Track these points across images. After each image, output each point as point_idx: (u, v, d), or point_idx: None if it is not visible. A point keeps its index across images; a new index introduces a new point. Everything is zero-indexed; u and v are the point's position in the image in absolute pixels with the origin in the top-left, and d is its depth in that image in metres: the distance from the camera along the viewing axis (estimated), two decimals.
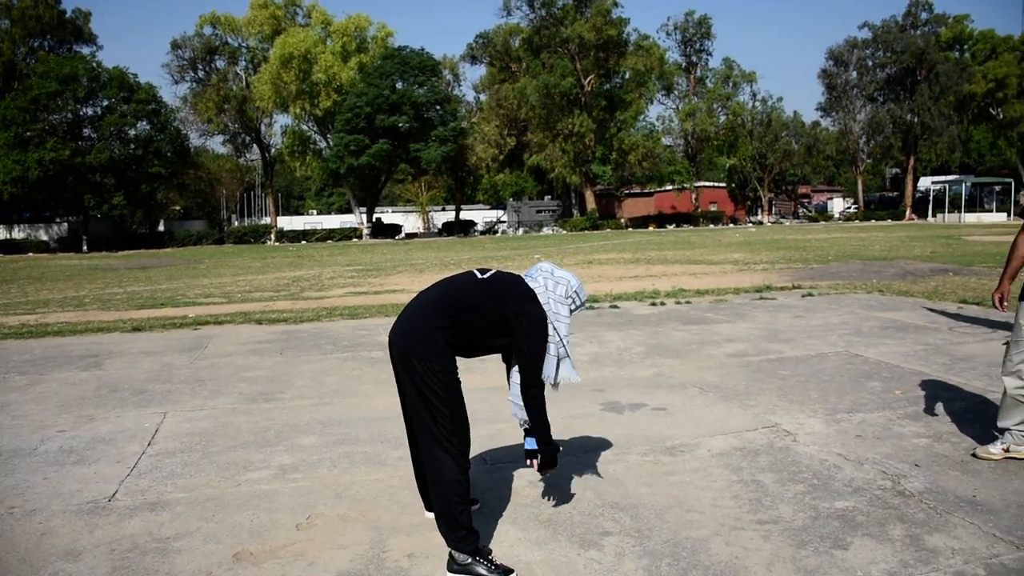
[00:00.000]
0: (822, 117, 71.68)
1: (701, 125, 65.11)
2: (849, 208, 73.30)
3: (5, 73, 53.91)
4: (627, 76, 63.00)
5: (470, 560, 3.24)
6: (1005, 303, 4.56)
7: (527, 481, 4.37)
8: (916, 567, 3.22)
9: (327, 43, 60.00)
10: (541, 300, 3.54)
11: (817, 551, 3.39)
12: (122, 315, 12.92)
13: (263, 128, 65.38)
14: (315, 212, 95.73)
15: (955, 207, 59.21)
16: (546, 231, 63.32)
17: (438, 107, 59.25)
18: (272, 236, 59.69)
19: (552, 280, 3.59)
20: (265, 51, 61.15)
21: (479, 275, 3.55)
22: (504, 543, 3.58)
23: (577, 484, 4.29)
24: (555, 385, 3.66)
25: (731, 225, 63.39)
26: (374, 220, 63.97)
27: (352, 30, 60.61)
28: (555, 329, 3.54)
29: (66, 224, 58.87)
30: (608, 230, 58.20)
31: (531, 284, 3.58)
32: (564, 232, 58.79)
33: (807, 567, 3.24)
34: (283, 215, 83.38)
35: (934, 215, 60.87)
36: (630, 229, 59.86)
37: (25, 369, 8.23)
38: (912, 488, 4.09)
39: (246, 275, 23.57)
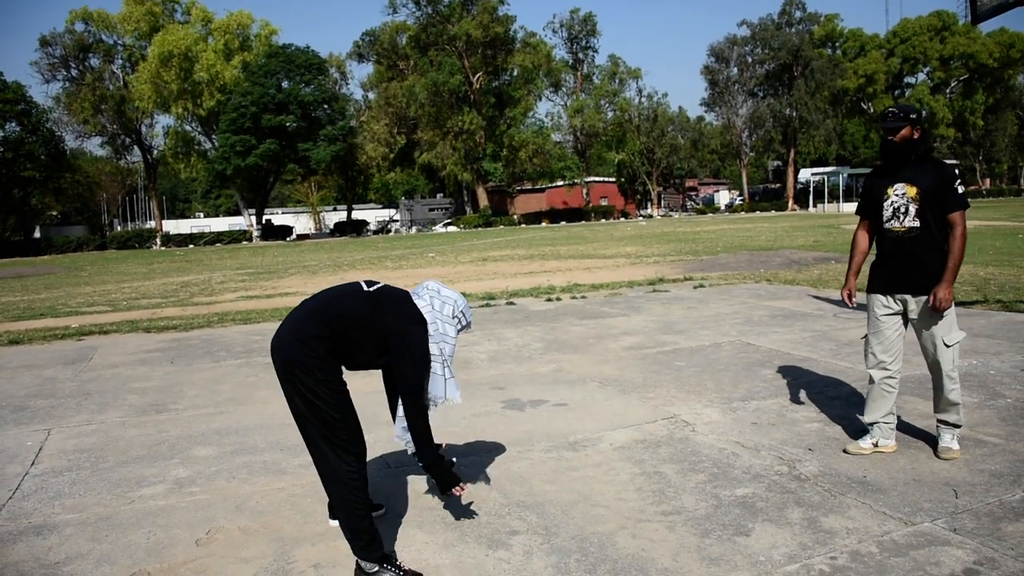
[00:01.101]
0: (706, 112, 73.99)
1: (589, 121, 66.15)
2: (735, 200, 75.75)
3: None
4: (515, 73, 63.49)
5: (377, 568, 3.19)
6: (854, 298, 4.72)
7: (432, 484, 4.33)
8: (815, 548, 3.34)
9: (208, 41, 58.33)
10: (428, 319, 3.48)
11: (720, 539, 3.48)
12: None
13: (144, 129, 63.11)
14: (202, 215, 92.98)
15: (834, 197, 61.90)
16: (439, 229, 63.17)
17: (326, 106, 58.40)
18: (158, 240, 57.60)
19: (439, 299, 3.54)
20: (143, 49, 58.96)
21: (365, 287, 3.47)
22: (411, 547, 3.54)
23: (481, 484, 4.28)
24: (435, 405, 3.59)
25: (622, 219, 64.59)
26: (264, 222, 62.53)
27: (234, 27, 59.13)
28: (440, 350, 3.49)
29: None
30: (501, 227, 58.52)
31: (418, 303, 3.51)
32: (457, 230, 58.77)
33: (712, 555, 3.33)
34: (169, 219, 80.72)
35: (815, 205, 63.47)
36: (523, 226, 60.31)
37: None
38: (807, 472, 4.24)
39: (131, 282, 22.66)
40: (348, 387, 3.37)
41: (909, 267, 4.35)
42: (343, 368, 3.40)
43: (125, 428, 5.79)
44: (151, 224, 67.88)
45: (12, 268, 34.91)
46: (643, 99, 70.04)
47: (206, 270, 26.56)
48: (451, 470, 3.54)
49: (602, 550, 3.41)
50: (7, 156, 51.44)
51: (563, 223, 61.72)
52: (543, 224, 61.45)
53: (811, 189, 64.61)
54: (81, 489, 4.52)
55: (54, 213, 72.53)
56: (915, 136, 4.32)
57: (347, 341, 3.31)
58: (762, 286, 12.68)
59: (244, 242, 57.21)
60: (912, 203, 4.30)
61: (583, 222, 62.14)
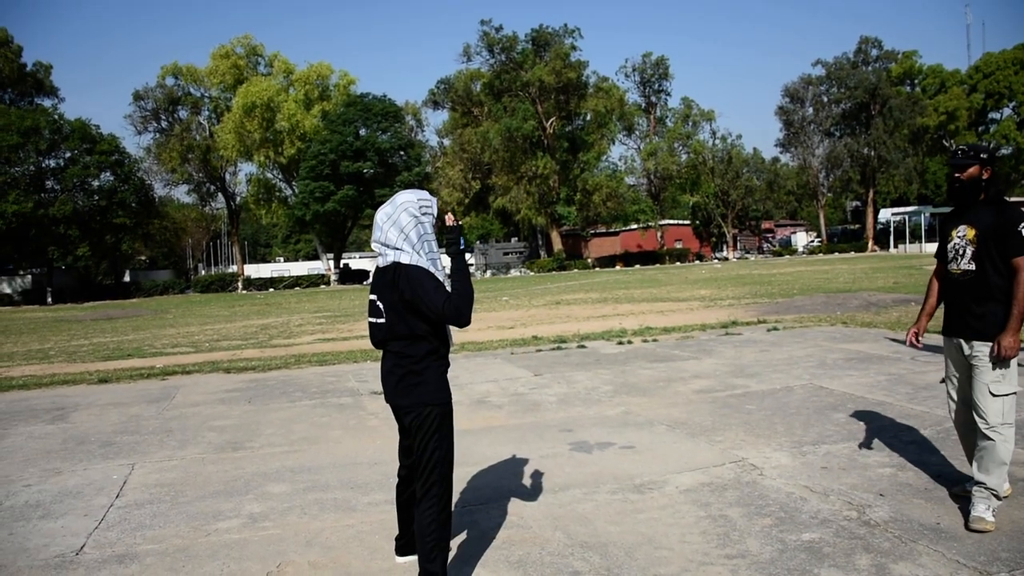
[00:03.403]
0: (781, 153, 73.08)
1: (663, 164, 65.97)
2: (812, 242, 74.37)
3: None
4: (588, 118, 63.90)
5: None
6: (920, 340, 4.61)
7: (496, 523, 4.39)
8: None
9: (290, 91, 60.34)
10: (407, 251, 3.48)
11: None
12: (88, 367, 12.77)
13: (228, 177, 65.36)
14: (282, 259, 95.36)
15: (916, 237, 60.34)
16: (514, 272, 63.50)
17: (402, 152, 59.63)
18: (239, 284, 59.31)
19: (397, 214, 3.52)
20: (228, 100, 61.31)
21: (376, 298, 3.58)
22: None
23: (546, 524, 4.31)
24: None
25: (697, 262, 64.02)
26: (342, 266, 63.83)
27: (314, 78, 61.05)
28: (431, 248, 3.54)
29: (30, 276, 58.07)
30: (575, 270, 58.54)
31: (400, 257, 3.49)
32: (531, 273, 59.03)
33: None
34: (250, 263, 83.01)
35: (895, 246, 61.96)
36: (597, 269, 60.23)
37: None
38: (877, 518, 4.16)
39: (213, 324, 23.38)
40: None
41: (962, 310, 4.26)
42: None
43: (204, 464, 5.99)
44: (233, 268, 69.94)
45: (103, 311, 36.36)
46: (717, 141, 69.70)
47: (285, 313, 27.24)
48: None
49: None
50: (101, 204, 53.82)
51: (637, 266, 61.46)
52: (617, 267, 61.28)
53: (891, 229, 63.17)
54: (161, 521, 4.71)
55: (143, 258, 75.40)
56: (984, 176, 4.20)
57: (422, 330, 3.45)
58: (837, 329, 12.44)
59: (322, 286, 58.47)
60: (970, 245, 4.19)
61: (657, 265, 61.78)
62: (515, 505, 4.66)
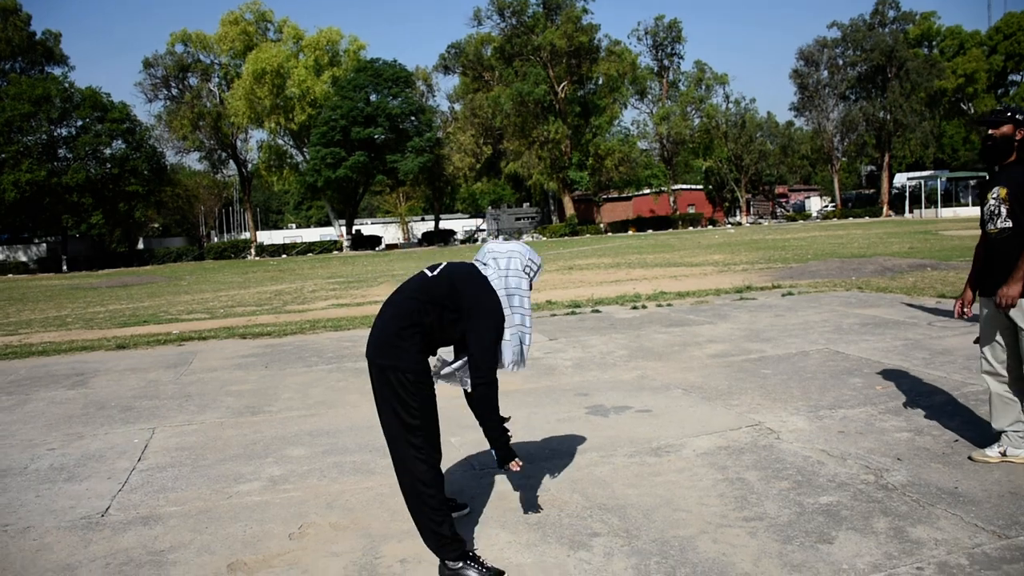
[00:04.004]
0: (795, 117, 72.33)
1: (676, 128, 65.44)
2: (827, 207, 73.85)
3: None
4: (600, 82, 63.37)
5: (461, 564, 3.28)
6: (966, 310, 4.62)
7: (516, 485, 4.42)
8: (900, 559, 3.30)
9: (299, 57, 60.02)
10: (497, 285, 3.50)
11: (803, 546, 3.46)
12: (106, 333, 12.87)
13: (239, 143, 65.24)
14: (294, 226, 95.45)
15: (931, 202, 59.80)
16: (525, 238, 63.42)
17: (413, 118, 59.36)
18: (252, 251, 59.48)
19: (504, 257, 3.56)
20: (238, 67, 61.08)
21: (429, 273, 3.55)
22: (494, 547, 3.63)
23: (564, 487, 4.34)
24: (512, 365, 3.61)
25: (710, 227, 63.75)
26: (353, 232, 63.88)
27: (324, 44, 60.67)
28: (520, 303, 3.52)
29: (45, 245, 58.44)
30: (588, 235, 58.42)
31: (484, 271, 3.55)
32: (543, 239, 58.94)
33: (793, 562, 3.31)
34: (262, 230, 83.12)
35: (911, 211, 61.44)
36: (609, 234, 60.08)
37: (11, 390, 8.20)
38: (895, 481, 4.17)
39: (228, 290, 23.49)
40: (436, 389, 3.48)
41: (999, 269, 4.27)
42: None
43: (223, 428, 6.05)
44: (246, 235, 70.08)
45: (118, 278, 36.56)
46: (730, 105, 69.07)
47: (298, 279, 27.33)
48: (509, 445, 3.58)
49: (682, 553, 3.43)
50: (114, 172, 53.93)
51: (650, 231, 61.24)
52: (629, 232, 61.09)
53: (907, 194, 62.58)
54: (183, 484, 4.77)
55: (156, 225, 75.57)
56: (1018, 136, 4.21)
57: (433, 328, 3.41)
58: (853, 294, 12.39)
59: (335, 252, 58.60)
60: (1003, 204, 4.21)
61: (670, 230, 61.52)
62: (532, 468, 4.68)
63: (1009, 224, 4.21)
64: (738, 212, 71.83)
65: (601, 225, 63.70)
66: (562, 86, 60.62)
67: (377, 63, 59.17)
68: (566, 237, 57.96)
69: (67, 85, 53.87)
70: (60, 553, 3.82)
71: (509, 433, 3.63)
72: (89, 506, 4.47)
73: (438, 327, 3.43)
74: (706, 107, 67.43)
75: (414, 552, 3.58)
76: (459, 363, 3.59)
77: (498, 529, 3.84)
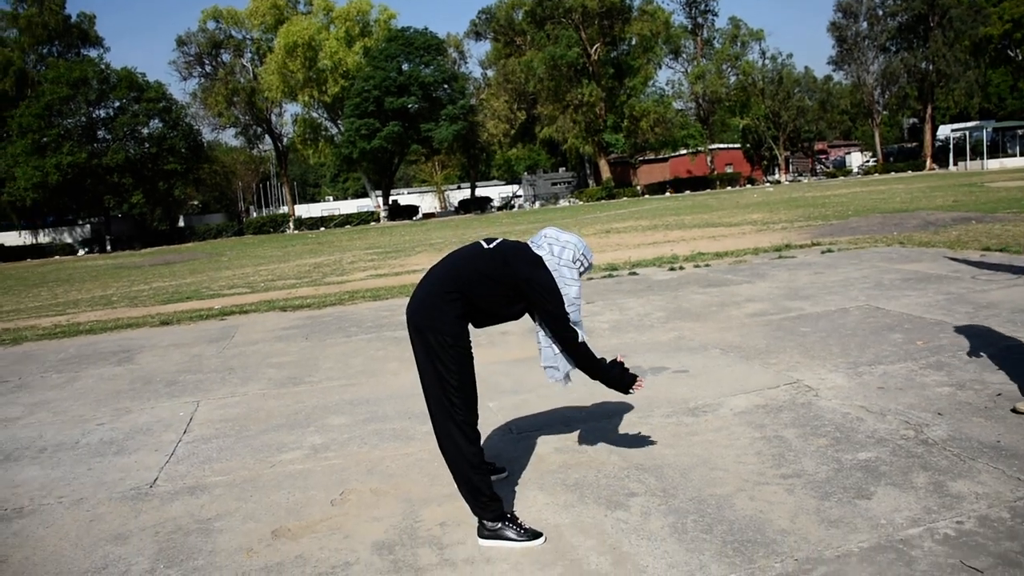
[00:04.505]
0: (834, 71, 70.69)
1: (711, 87, 64.44)
2: (868, 162, 72.39)
3: (18, 82, 54.40)
4: (633, 42, 62.50)
5: (500, 525, 3.33)
6: None
7: (553, 448, 4.46)
8: (940, 512, 3.28)
9: (330, 29, 60.01)
10: (550, 266, 3.54)
11: (840, 502, 3.45)
12: (150, 310, 13.13)
13: (273, 118, 65.65)
14: (332, 198, 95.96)
15: (977, 154, 58.29)
16: (562, 203, 63.20)
17: (446, 86, 59.13)
18: (291, 225, 60.03)
19: (558, 245, 3.59)
20: (269, 42, 61.26)
21: (485, 244, 3.58)
22: (532, 508, 3.67)
23: (602, 448, 4.37)
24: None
25: (748, 186, 62.90)
26: (390, 202, 64.11)
27: (354, 15, 60.55)
28: (565, 294, 3.55)
29: (88, 225, 59.57)
30: (624, 198, 58.04)
31: (537, 251, 3.58)
32: (580, 203, 58.68)
33: (830, 517, 3.31)
34: (300, 203, 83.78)
35: (955, 163, 59.97)
36: (646, 196, 59.61)
37: (61, 367, 8.42)
38: (935, 436, 4.13)
39: (267, 264, 23.79)
40: (474, 355, 3.52)
41: None
42: (471, 327, 3.55)
43: (265, 399, 6.17)
44: (284, 209, 70.73)
45: (161, 256, 37.19)
46: (767, 61, 67.61)
47: (337, 251, 27.56)
48: (624, 370, 3.69)
49: (719, 511, 3.45)
50: (152, 151, 54.70)
51: (687, 192, 60.62)
52: (667, 194, 60.55)
53: (951, 147, 61.09)
54: (227, 454, 4.88)
55: (195, 202, 76.58)
56: None
57: (477, 300, 3.44)
58: (894, 249, 12.19)
59: (372, 223, 58.89)
60: None
61: (708, 190, 60.82)
62: (569, 430, 4.72)
63: None
64: (777, 170, 70.70)
65: (638, 187, 63.21)
66: (595, 48, 59.92)
67: (408, 32, 58.95)
68: (602, 201, 57.60)
69: (103, 67, 54.56)
70: (112, 523, 3.94)
71: (616, 366, 3.73)
72: (138, 478, 4.60)
73: (484, 299, 3.47)
74: (742, 64, 66.22)
75: (453, 515, 3.64)
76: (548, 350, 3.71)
77: (536, 491, 3.88)
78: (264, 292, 14.64)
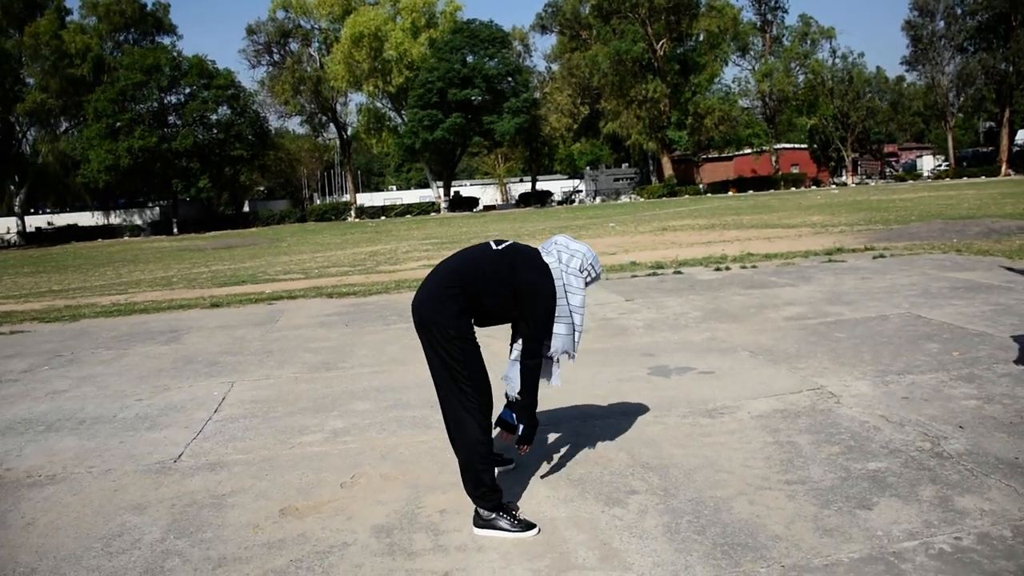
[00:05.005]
0: (907, 71, 68.90)
1: (779, 85, 63.35)
2: (939, 166, 70.42)
3: (95, 68, 56.07)
4: (700, 39, 61.77)
5: (494, 515, 3.40)
6: None
7: (564, 443, 4.50)
8: (940, 527, 3.22)
9: (397, 20, 60.50)
10: (555, 274, 3.59)
11: (840, 511, 3.42)
12: (204, 292, 13.49)
13: (338, 107, 66.47)
14: (395, 188, 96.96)
15: None
16: (624, 199, 62.87)
17: (509, 79, 59.21)
18: (352, 213, 60.82)
19: (567, 253, 3.64)
20: (336, 31, 62.06)
21: (494, 246, 3.64)
22: (533, 500, 3.72)
23: (612, 445, 4.39)
24: (556, 360, 3.79)
25: (813, 187, 61.74)
26: (452, 194, 64.50)
27: (421, 6, 60.92)
28: (567, 302, 3.61)
29: (158, 208, 61.30)
30: (686, 196, 57.48)
31: (546, 258, 3.63)
32: (641, 200, 58.30)
33: (827, 526, 3.28)
34: (363, 192, 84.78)
35: None
36: (709, 195, 58.94)
37: (112, 345, 8.73)
38: (951, 450, 4.05)
39: (325, 251, 24.20)
40: (481, 347, 3.57)
41: None
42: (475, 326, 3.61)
43: (297, 383, 6.32)
44: (346, 197, 71.70)
45: (224, 240, 38.04)
46: (837, 60, 66.21)
47: (394, 240, 27.89)
48: (535, 429, 3.74)
49: (716, 514, 3.45)
50: (220, 137, 56.04)
51: (750, 192, 59.76)
52: (730, 193, 59.78)
53: None
54: (252, 434, 5.02)
55: (261, 188, 78.11)
56: None
57: (480, 297, 3.50)
58: (949, 256, 11.89)
59: (432, 213, 59.36)
60: None
61: (771, 191, 59.85)
62: (585, 426, 4.75)
63: None
64: (844, 172, 69.24)
65: (700, 186, 62.54)
66: (661, 43, 59.39)
67: (473, 24, 59.17)
68: (664, 198, 57.14)
69: (175, 54, 56.12)
70: (134, 494, 4.11)
71: (536, 421, 3.78)
72: (165, 452, 4.77)
73: (485, 299, 3.53)
74: (811, 63, 64.97)
75: (455, 503, 3.71)
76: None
77: (539, 484, 3.93)
78: (317, 278, 14.92)
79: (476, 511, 3.45)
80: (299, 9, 63.15)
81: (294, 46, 65.13)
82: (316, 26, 64.93)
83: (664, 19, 58.77)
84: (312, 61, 64.66)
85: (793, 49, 65.76)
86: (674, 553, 3.12)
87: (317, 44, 65.32)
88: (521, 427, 3.73)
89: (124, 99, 52.68)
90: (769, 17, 69.51)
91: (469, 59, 57.69)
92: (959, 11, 63.34)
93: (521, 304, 3.56)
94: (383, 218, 58.20)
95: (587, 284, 3.70)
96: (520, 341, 3.70)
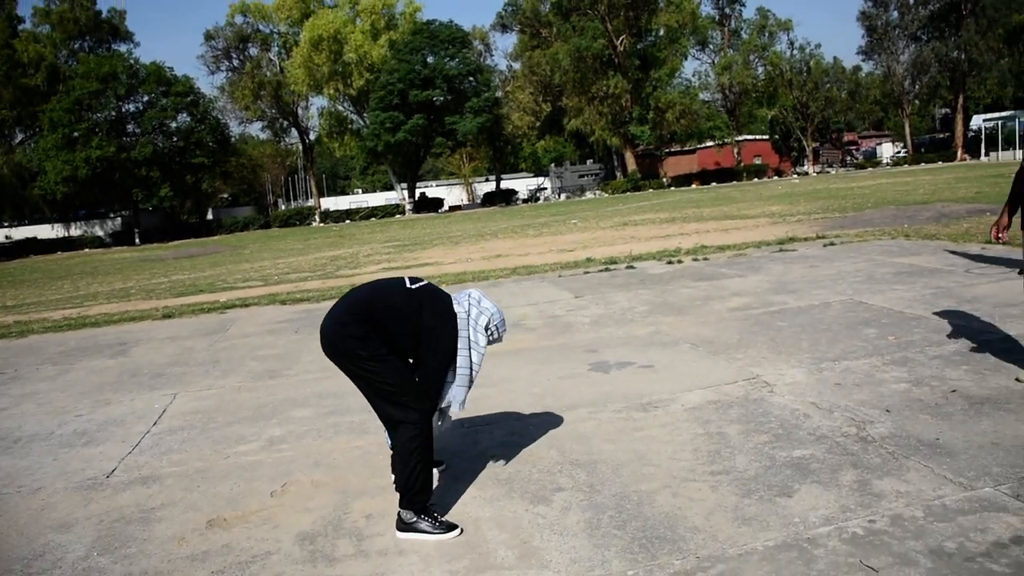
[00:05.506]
0: (864, 61, 69.84)
1: (738, 78, 63.85)
2: (899, 152, 71.30)
3: (49, 77, 55.28)
4: (660, 34, 62.07)
5: (416, 518, 3.40)
6: (1002, 234, 4.63)
7: (497, 442, 4.52)
8: (855, 511, 3.27)
9: (356, 23, 60.29)
10: (461, 325, 3.60)
11: (761, 499, 3.46)
12: (158, 303, 13.34)
13: (300, 111, 66.17)
14: (361, 191, 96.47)
15: (1010, 144, 57.17)
16: (588, 195, 63.05)
17: (471, 78, 59.17)
18: (316, 217, 60.46)
19: (476, 309, 3.65)
20: (296, 35, 61.75)
21: (409, 283, 3.64)
22: (460, 501, 3.73)
23: (543, 443, 4.41)
24: (446, 411, 3.76)
25: (776, 178, 62.29)
26: (417, 195, 64.32)
27: (380, 7, 60.74)
28: (469, 355, 3.61)
29: (119, 219, 60.49)
30: (650, 190, 57.72)
31: (457, 309, 3.63)
32: (606, 195, 58.46)
33: (746, 515, 3.32)
34: (329, 195, 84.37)
35: (987, 154, 58.83)
36: (672, 188, 59.26)
37: (58, 360, 8.60)
38: (876, 434, 4.12)
39: (287, 257, 24.02)
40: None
41: None
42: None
43: (239, 392, 6.28)
44: (311, 202, 71.28)
45: (186, 249, 37.64)
46: (795, 51, 66.83)
47: (356, 244, 27.73)
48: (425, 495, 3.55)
49: (639, 508, 3.47)
50: (180, 145, 55.42)
51: (713, 184, 60.16)
52: (693, 186, 60.12)
53: (983, 137, 59.97)
54: (188, 446, 4.98)
55: (225, 195, 77.38)
56: None
57: (385, 331, 3.50)
58: (897, 242, 12.06)
59: (397, 216, 59.13)
60: None
61: (734, 182, 60.31)
62: (519, 424, 4.77)
63: None
64: (805, 161, 69.96)
65: (664, 179, 62.84)
66: (621, 39, 59.59)
67: (433, 25, 59.07)
68: (628, 193, 57.31)
69: (132, 61, 55.42)
70: (61, 512, 4.06)
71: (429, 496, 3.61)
72: (98, 468, 4.72)
73: (390, 331, 3.52)
74: (769, 55, 65.51)
75: (382, 508, 3.71)
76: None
77: (468, 484, 3.94)
78: (276, 285, 14.81)
79: (399, 515, 3.45)
80: (257, 13, 62.73)
81: (253, 51, 64.73)
82: (275, 30, 64.59)
83: (623, 15, 58.96)
84: (272, 66, 64.24)
85: (751, 42, 66.29)
86: (592, 549, 3.14)
87: (276, 48, 64.93)
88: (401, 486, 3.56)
89: (80, 108, 51.89)
90: (727, 11, 69.99)
91: (430, 60, 57.58)
92: (911, 1, 64.22)
93: (420, 344, 3.54)
94: (348, 222, 57.86)
95: (489, 343, 3.70)
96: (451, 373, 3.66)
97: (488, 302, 3.71)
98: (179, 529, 3.71)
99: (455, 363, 3.60)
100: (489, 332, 3.66)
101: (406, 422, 3.47)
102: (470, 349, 3.61)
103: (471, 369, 3.63)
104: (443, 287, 3.89)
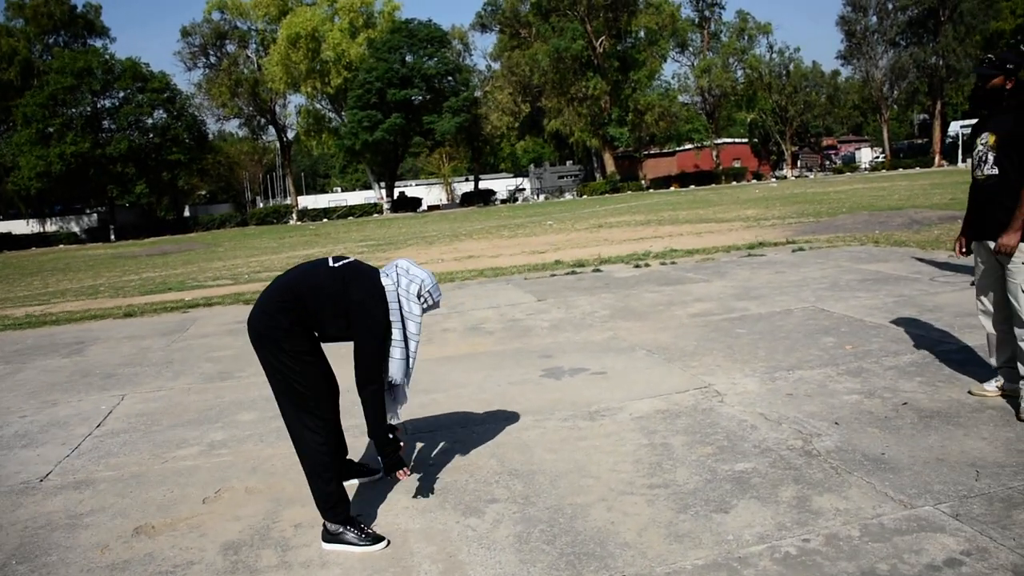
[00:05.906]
0: (843, 65, 70.10)
1: (717, 81, 64.09)
2: (877, 158, 71.80)
3: (23, 71, 54.72)
4: (639, 35, 62.18)
5: (342, 529, 3.33)
6: (964, 250, 4.70)
7: (438, 450, 4.43)
8: (791, 530, 3.20)
9: (334, 20, 60.04)
10: (390, 297, 3.50)
11: (697, 515, 3.39)
12: (123, 301, 13.16)
13: (277, 109, 65.76)
14: (340, 189, 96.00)
15: None
16: (567, 196, 63.05)
17: (449, 78, 59.07)
18: (293, 216, 60.10)
19: (406, 278, 3.56)
20: (273, 32, 61.40)
21: (332, 263, 3.56)
22: (391, 512, 3.65)
23: (484, 452, 4.33)
24: (399, 380, 3.63)
25: (754, 181, 62.55)
26: (396, 194, 64.09)
27: (358, 6, 60.55)
28: (403, 327, 3.53)
29: (95, 215, 59.87)
30: (628, 192, 57.78)
31: (384, 281, 3.54)
32: (584, 197, 58.48)
33: (679, 532, 3.25)
34: (309, 194, 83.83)
35: (964, 160, 59.37)
36: (651, 191, 59.36)
37: (11, 359, 8.45)
38: (821, 447, 4.06)
39: (260, 256, 23.82)
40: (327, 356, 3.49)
41: (987, 214, 4.39)
42: (318, 339, 3.52)
43: (188, 394, 6.16)
44: (289, 200, 70.88)
45: (160, 246, 37.29)
46: (774, 55, 67.17)
47: (331, 243, 27.55)
48: (397, 452, 3.57)
49: (571, 522, 3.40)
50: (156, 141, 54.96)
51: (692, 187, 60.34)
52: (672, 188, 60.25)
53: (960, 143, 60.48)
54: (128, 449, 4.87)
55: (203, 193, 76.81)
56: (1007, 86, 4.31)
57: (313, 313, 3.42)
58: (866, 248, 12.08)
59: (375, 215, 58.90)
60: (991, 151, 4.32)
61: (713, 185, 60.51)
62: (462, 432, 4.68)
63: (996, 171, 4.32)
64: (784, 165, 70.29)
65: (643, 182, 62.94)
66: (600, 41, 59.61)
67: (412, 23, 58.91)
68: (606, 195, 57.34)
69: (108, 57, 54.88)
70: None
71: (396, 438, 3.64)
72: (33, 471, 4.60)
73: (316, 316, 3.44)
74: (749, 58, 65.83)
75: (312, 517, 3.60)
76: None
77: (402, 494, 3.86)
78: (246, 284, 14.65)
79: (324, 525, 3.38)
80: (235, 10, 62.29)
81: (231, 48, 64.26)
82: (253, 27, 64.17)
83: (603, 16, 58.99)
84: (249, 63, 63.80)
85: (731, 45, 66.59)
86: (518, 564, 3.07)
87: (254, 45, 64.54)
88: (381, 455, 3.59)
89: (55, 104, 51.37)
90: (707, 13, 70.26)
91: (408, 59, 57.42)
92: (890, 6, 64.63)
93: (352, 323, 3.46)
94: (325, 220, 57.56)
95: (424, 311, 3.61)
96: (355, 368, 3.54)
97: (417, 269, 3.63)
98: (104, 536, 3.61)
99: (392, 336, 3.51)
100: (422, 299, 3.57)
101: (311, 429, 3.40)
102: (403, 319, 3.52)
103: (406, 340, 3.54)
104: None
